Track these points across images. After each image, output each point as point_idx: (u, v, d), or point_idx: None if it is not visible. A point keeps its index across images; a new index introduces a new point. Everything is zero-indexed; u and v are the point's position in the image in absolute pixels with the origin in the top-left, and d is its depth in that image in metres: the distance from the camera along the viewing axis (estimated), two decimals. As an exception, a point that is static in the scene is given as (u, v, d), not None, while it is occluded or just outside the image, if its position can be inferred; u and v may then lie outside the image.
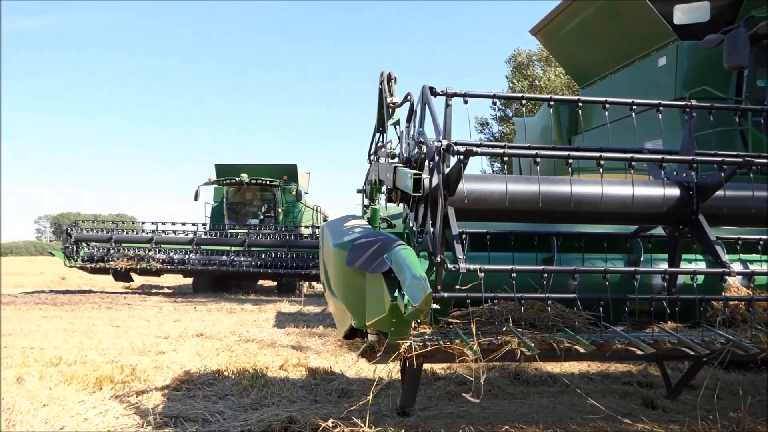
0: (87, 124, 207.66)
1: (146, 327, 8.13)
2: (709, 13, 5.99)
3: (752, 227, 3.22)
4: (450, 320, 2.73)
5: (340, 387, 4.36)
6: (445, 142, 2.58)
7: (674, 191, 2.87)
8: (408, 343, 2.50)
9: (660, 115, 2.94)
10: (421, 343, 2.52)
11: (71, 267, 14.54)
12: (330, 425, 3.18)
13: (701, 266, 3.10)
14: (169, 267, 14.19)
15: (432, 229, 2.60)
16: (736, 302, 2.89)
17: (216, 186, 17.09)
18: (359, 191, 4.36)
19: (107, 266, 14.18)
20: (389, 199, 3.21)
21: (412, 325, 2.53)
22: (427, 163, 2.73)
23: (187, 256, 14.15)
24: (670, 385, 3.98)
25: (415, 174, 2.63)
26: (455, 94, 2.77)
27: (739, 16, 5.77)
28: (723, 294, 2.91)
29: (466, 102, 2.80)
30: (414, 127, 3.08)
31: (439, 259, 2.50)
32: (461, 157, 2.49)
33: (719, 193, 2.82)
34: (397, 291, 2.33)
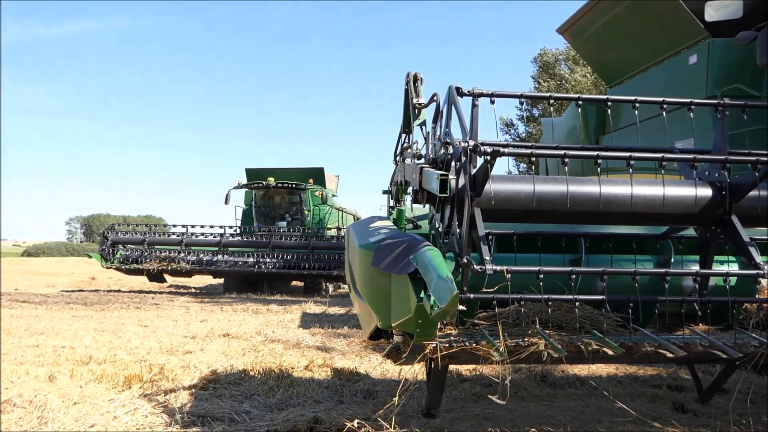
0: (118, 128, 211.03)
1: (174, 327, 8.22)
2: (742, 10, 5.87)
3: None
4: (476, 321, 2.71)
5: (365, 388, 4.36)
6: (471, 143, 2.56)
7: (706, 191, 2.81)
8: (434, 345, 2.49)
9: (691, 114, 2.89)
10: (447, 345, 2.51)
11: (108, 268, 15.09)
12: (355, 426, 3.18)
13: (734, 268, 3.03)
14: (198, 268, 14.57)
15: (458, 230, 2.59)
16: (770, 304, 2.82)
17: (246, 190, 17.48)
18: (385, 192, 4.35)
19: (141, 267, 14.63)
20: (415, 200, 3.20)
21: (438, 327, 2.52)
22: (453, 163, 2.72)
23: (214, 258, 14.52)
24: (702, 388, 3.90)
25: (441, 175, 2.61)
26: (482, 94, 2.75)
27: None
28: (757, 296, 2.85)
29: (492, 102, 2.77)
30: (440, 127, 3.06)
31: (465, 260, 2.48)
32: (488, 157, 2.47)
33: (753, 193, 2.76)
34: (423, 292, 2.32)
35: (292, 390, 4.21)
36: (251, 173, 17.87)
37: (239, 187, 16.79)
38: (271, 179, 16.74)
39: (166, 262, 14.50)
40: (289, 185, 16.87)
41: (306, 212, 17.17)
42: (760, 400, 4.00)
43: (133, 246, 14.98)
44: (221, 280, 16.32)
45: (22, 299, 12.28)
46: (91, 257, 16.28)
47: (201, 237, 14.94)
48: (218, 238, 14.77)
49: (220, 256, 14.52)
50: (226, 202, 16.13)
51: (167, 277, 15.71)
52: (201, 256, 14.53)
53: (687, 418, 3.63)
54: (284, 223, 17.12)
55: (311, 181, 17.14)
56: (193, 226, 14.97)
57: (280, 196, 17.80)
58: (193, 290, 16.60)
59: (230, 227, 15.39)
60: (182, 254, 14.54)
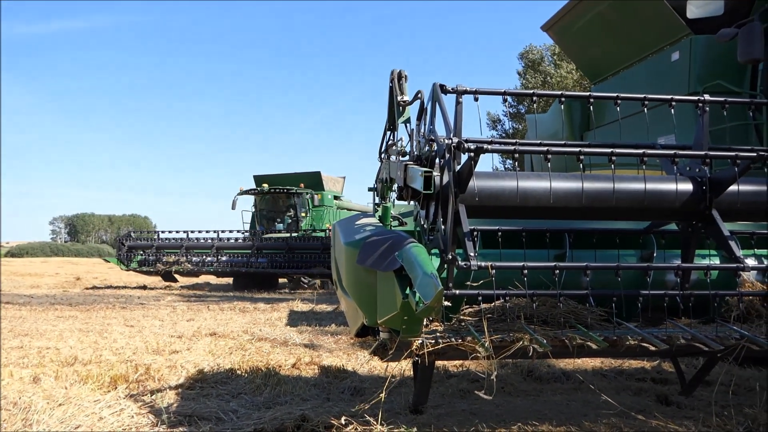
0: (99, 126, 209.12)
1: (160, 326, 8.18)
2: (723, 7, 5.94)
3: (767, 222, 3.19)
4: (462, 318, 2.72)
5: (352, 385, 4.37)
6: (455, 140, 2.57)
7: (687, 186, 2.85)
8: (420, 341, 2.50)
9: (672, 111, 2.92)
10: (433, 341, 2.52)
11: (127, 271, 17.16)
12: (343, 423, 3.19)
13: (715, 262, 3.07)
14: (196, 269, 16.18)
15: (443, 227, 2.60)
16: (750, 297, 2.86)
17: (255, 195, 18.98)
18: (370, 189, 4.36)
19: (154, 269, 16.48)
20: (400, 197, 3.21)
21: (424, 323, 2.53)
22: (437, 160, 2.73)
23: (209, 259, 16.10)
24: (685, 381, 3.95)
25: (425, 172, 2.62)
26: (466, 92, 2.76)
27: (754, 9, 5.72)
28: (738, 289, 2.88)
29: (476, 99, 2.79)
30: (425, 124, 3.07)
31: (450, 257, 2.49)
32: (472, 154, 2.48)
33: (733, 188, 2.80)
34: (408, 289, 2.33)
35: (279, 388, 4.21)
36: (257, 179, 19.30)
37: (241, 193, 17.96)
38: (265, 185, 18.00)
39: (170, 264, 16.18)
40: (281, 190, 17.96)
41: (303, 214, 17.93)
42: (742, 392, 4.06)
43: (146, 250, 16.76)
44: (224, 280, 17.78)
45: (5, 300, 12.17)
46: (107, 261, 18.81)
47: (201, 241, 16.55)
48: (211, 242, 16.33)
49: (213, 258, 15.99)
50: (233, 207, 17.47)
51: (177, 276, 17.15)
52: (204, 257, 16.12)
53: (671, 411, 3.67)
54: (281, 226, 18.15)
55: (302, 185, 18.03)
56: (192, 232, 16.63)
57: (281, 201, 18.77)
58: (206, 290, 16.90)
59: (230, 231, 16.70)
60: (186, 257, 16.20)
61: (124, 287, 17.39)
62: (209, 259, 16.10)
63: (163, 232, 17.47)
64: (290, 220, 18.27)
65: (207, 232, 16.54)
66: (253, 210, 18.92)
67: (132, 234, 17.61)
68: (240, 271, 15.63)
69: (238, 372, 4.79)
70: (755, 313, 2.85)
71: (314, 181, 18.52)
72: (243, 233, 16.83)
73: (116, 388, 4.29)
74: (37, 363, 5.29)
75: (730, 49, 5.37)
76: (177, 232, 16.97)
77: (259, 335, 7.03)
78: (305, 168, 19.35)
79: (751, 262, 2.80)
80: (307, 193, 18.03)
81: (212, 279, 19.06)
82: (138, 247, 16.93)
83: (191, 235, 16.60)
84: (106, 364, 5.19)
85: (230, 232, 16.60)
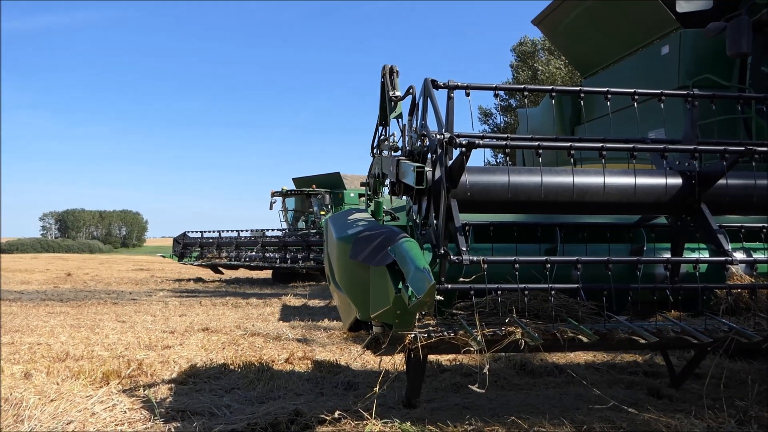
0: (87, 122, 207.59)
1: (152, 322, 8.17)
2: (712, 1, 5.96)
3: (755, 216, 3.22)
4: (454, 311, 2.74)
5: (346, 380, 4.38)
6: (447, 135, 2.58)
7: (676, 180, 2.87)
8: (412, 335, 2.51)
9: (662, 105, 2.94)
10: (426, 335, 2.53)
11: (184, 264, 19.96)
12: (336, 417, 3.20)
13: (704, 255, 3.10)
14: (236, 263, 17.63)
15: (435, 222, 2.61)
16: (739, 290, 2.89)
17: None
18: (363, 184, 4.37)
19: (204, 264, 18.43)
20: (392, 192, 3.22)
21: (417, 317, 2.54)
22: (429, 155, 2.74)
23: (251, 254, 17.36)
24: (674, 373, 3.99)
25: (417, 167, 2.63)
26: (457, 87, 2.77)
27: (742, 4, 5.74)
28: (726, 283, 2.91)
29: (468, 94, 2.80)
30: (416, 120, 3.08)
31: (442, 251, 2.51)
32: (463, 149, 2.49)
33: (721, 182, 2.83)
34: (401, 283, 2.35)
35: (272, 383, 4.21)
36: (295, 181, 21.33)
37: (273, 195, 19.62)
38: (284, 187, 19.85)
39: (209, 259, 18.25)
40: (298, 191, 19.81)
41: (323, 213, 18.67)
42: (734, 385, 4.09)
43: (199, 248, 19.03)
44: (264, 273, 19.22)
45: (-5, 297, 12.11)
46: (165, 257, 21.21)
47: (233, 239, 18.21)
48: (232, 241, 18.00)
49: (254, 253, 17.30)
50: (270, 208, 19.34)
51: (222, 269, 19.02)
52: (244, 252, 17.57)
53: (663, 404, 3.70)
54: (302, 224, 19.48)
55: (314, 186, 19.45)
56: (226, 231, 18.60)
57: (303, 201, 20.20)
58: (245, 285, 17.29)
59: (245, 230, 18.33)
60: (224, 253, 18.04)
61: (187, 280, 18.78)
62: (251, 254, 17.38)
63: (211, 231, 19.31)
64: (313, 218, 19.25)
65: (247, 231, 18.18)
66: (281, 210, 20.35)
67: (187, 233, 19.71)
68: (275, 265, 16.60)
69: (231, 367, 4.80)
70: (743, 306, 2.88)
71: (335, 181, 19.71)
72: (281, 231, 18.12)
73: (108, 383, 4.28)
74: (29, 359, 5.27)
75: (719, 43, 5.40)
76: (220, 231, 18.91)
77: (251, 330, 7.03)
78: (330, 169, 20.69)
79: (739, 255, 2.83)
80: (325, 193, 19.13)
81: (253, 273, 20.15)
82: (189, 245, 19.29)
83: (227, 234, 18.38)
84: (98, 359, 5.17)
85: (270, 230, 18.04)
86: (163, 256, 21.98)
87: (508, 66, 35.48)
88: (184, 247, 19.41)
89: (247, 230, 18.25)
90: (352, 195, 19.71)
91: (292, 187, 20.73)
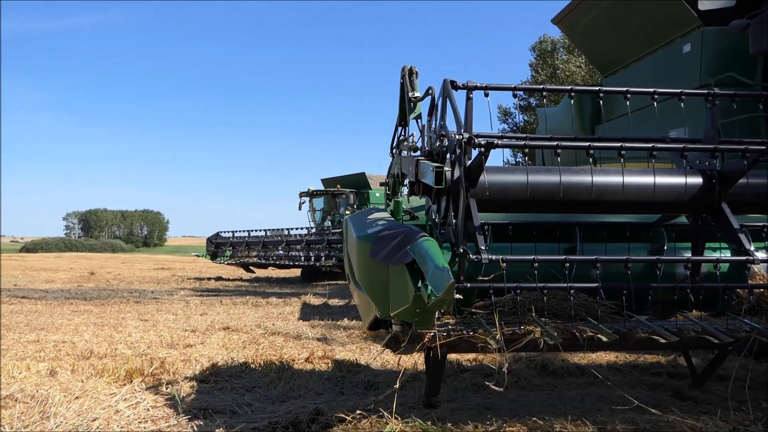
0: (109, 122, 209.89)
1: (174, 321, 8.26)
2: None
3: None
4: (473, 310, 2.74)
5: (366, 379, 4.39)
6: (466, 135, 2.60)
7: (696, 180, 2.85)
8: (432, 333, 2.53)
9: (682, 104, 2.92)
10: (445, 333, 2.55)
11: (218, 263, 20.30)
12: (357, 417, 3.22)
13: (726, 255, 3.08)
14: (256, 262, 18.25)
15: (454, 221, 2.63)
16: (761, 290, 2.87)
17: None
18: (382, 184, 4.39)
19: (236, 262, 19.06)
20: (412, 192, 3.23)
21: (436, 316, 2.56)
22: (448, 156, 2.75)
23: (278, 253, 17.68)
24: (696, 374, 3.95)
25: (436, 167, 2.65)
26: (476, 87, 2.78)
27: (765, 1, 5.67)
28: (748, 282, 2.89)
29: (487, 95, 2.80)
30: (435, 120, 3.09)
31: (461, 250, 2.52)
32: (482, 149, 2.51)
33: (742, 181, 2.80)
34: (420, 282, 2.36)
35: (293, 382, 4.25)
36: (324, 182, 21.43)
37: (300, 195, 20.01)
38: (310, 188, 20.14)
39: (239, 257, 18.79)
40: (323, 192, 20.13)
41: (348, 212, 18.70)
42: (759, 387, 4.04)
43: (231, 247, 19.49)
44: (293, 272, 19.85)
45: (21, 295, 12.31)
46: (200, 256, 21.92)
47: (261, 239, 18.64)
48: (260, 240, 18.48)
49: (282, 252, 17.55)
50: (299, 208, 19.70)
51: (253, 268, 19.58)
52: (269, 252, 17.98)
53: (687, 405, 3.66)
54: (329, 223, 19.64)
55: (338, 186, 19.77)
56: (252, 231, 19.09)
57: (330, 201, 20.48)
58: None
59: (297, 228, 18.51)
60: (254, 252, 18.44)
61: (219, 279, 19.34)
62: (278, 253, 17.71)
63: (241, 231, 19.74)
64: (340, 219, 19.41)
65: (278, 230, 18.44)
66: (309, 210, 20.71)
67: (220, 233, 20.25)
68: (303, 264, 16.83)
69: (252, 366, 4.84)
70: (766, 306, 2.86)
71: (360, 181, 19.88)
72: (309, 230, 18.25)
73: (132, 381, 4.34)
74: (54, 356, 5.36)
75: (742, 40, 5.34)
76: (249, 231, 19.38)
77: (272, 329, 7.08)
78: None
79: (762, 255, 2.80)
80: (350, 193, 19.41)
81: (282, 272, 20.56)
82: (222, 244, 19.88)
83: (255, 233, 18.89)
84: (121, 357, 5.25)
85: (297, 229, 18.25)
86: (198, 256, 22.72)
87: (527, 64, 35.22)
88: (216, 247, 20.02)
89: (271, 229, 18.53)
90: (377, 195, 19.79)
91: (320, 187, 20.98)
